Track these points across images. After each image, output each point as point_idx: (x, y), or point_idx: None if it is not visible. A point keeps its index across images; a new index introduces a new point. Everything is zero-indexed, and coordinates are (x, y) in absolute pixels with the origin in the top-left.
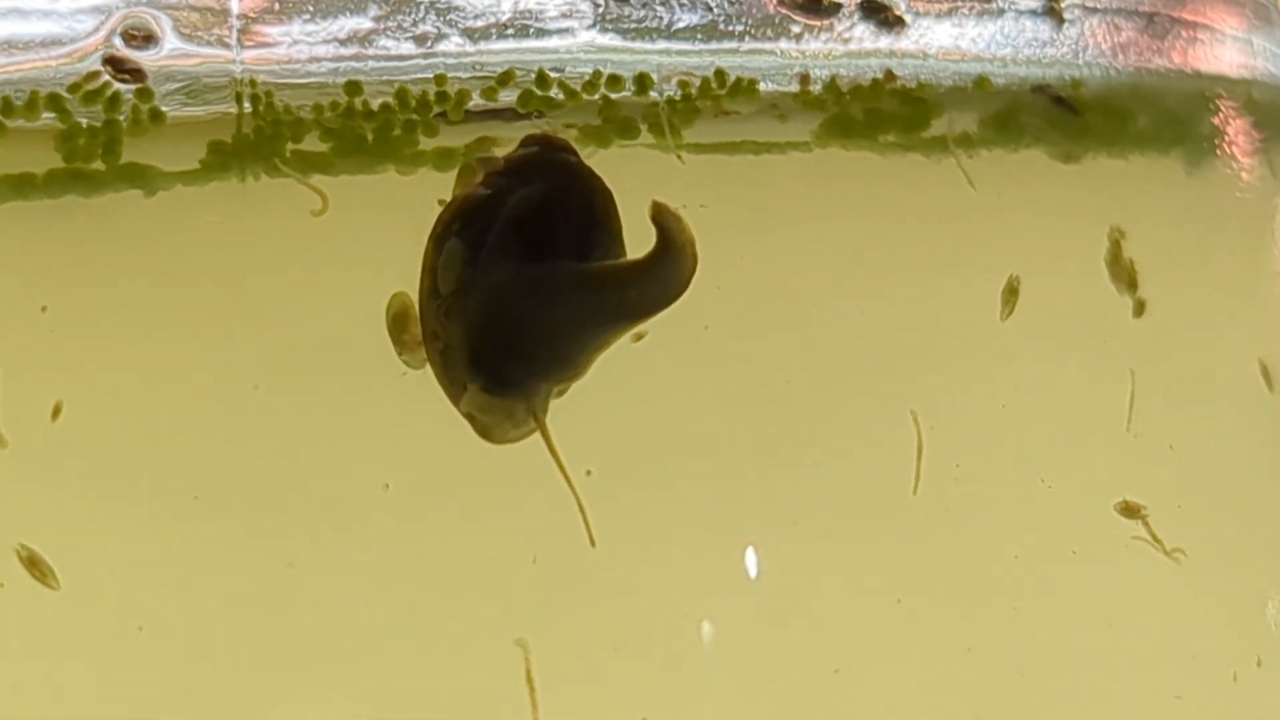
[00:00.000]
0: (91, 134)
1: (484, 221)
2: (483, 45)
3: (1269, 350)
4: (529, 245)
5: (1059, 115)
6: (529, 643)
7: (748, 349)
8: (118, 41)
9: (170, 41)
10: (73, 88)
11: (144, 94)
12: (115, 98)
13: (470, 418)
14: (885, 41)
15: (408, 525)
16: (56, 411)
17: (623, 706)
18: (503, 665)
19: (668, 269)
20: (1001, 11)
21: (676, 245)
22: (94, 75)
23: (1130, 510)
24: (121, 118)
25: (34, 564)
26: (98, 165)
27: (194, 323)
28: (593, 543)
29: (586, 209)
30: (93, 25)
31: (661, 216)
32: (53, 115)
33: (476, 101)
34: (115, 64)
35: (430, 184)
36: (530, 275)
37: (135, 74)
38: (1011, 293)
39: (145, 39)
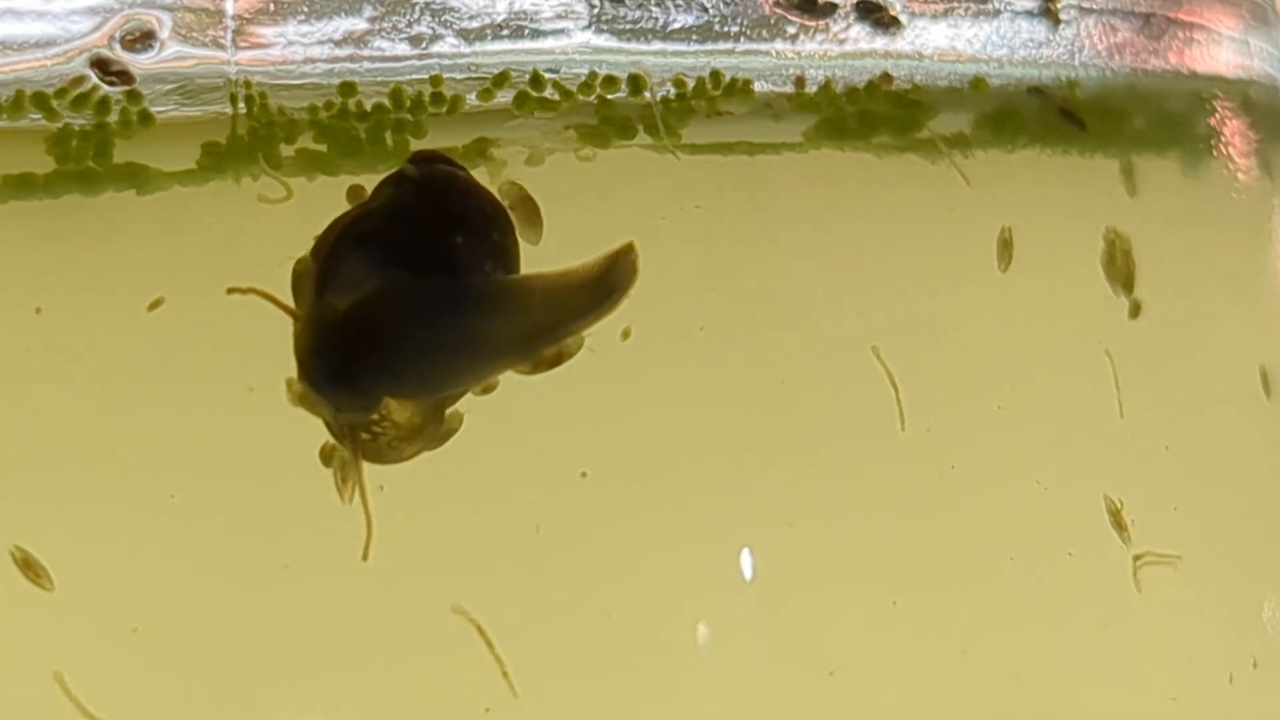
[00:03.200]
0: (83, 136)
1: (360, 234)
2: (478, 46)
3: (1266, 352)
4: (403, 256)
5: (1063, 126)
6: (526, 643)
7: (743, 350)
8: (116, 44)
9: (163, 44)
10: (60, 93)
11: (133, 96)
12: (104, 100)
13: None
14: (881, 42)
15: (403, 527)
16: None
17: (617, 708)
18: (500, 666)
19: (594, 298)
20: (997, 12)
21: (611, 285)
22: (80, 80)
23: (1118, 524)
24: (111, 120)
25: (28, 566)
26: (94, 167)
27: (188, 325)
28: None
29: (468, 224)
30: (88, 27)
31: (623, 260)
32: (39, 115)
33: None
34: (102, 66)
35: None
36: (419, 285)
37: (122, 76)
38: (1005, 245)
39: (143, 39)
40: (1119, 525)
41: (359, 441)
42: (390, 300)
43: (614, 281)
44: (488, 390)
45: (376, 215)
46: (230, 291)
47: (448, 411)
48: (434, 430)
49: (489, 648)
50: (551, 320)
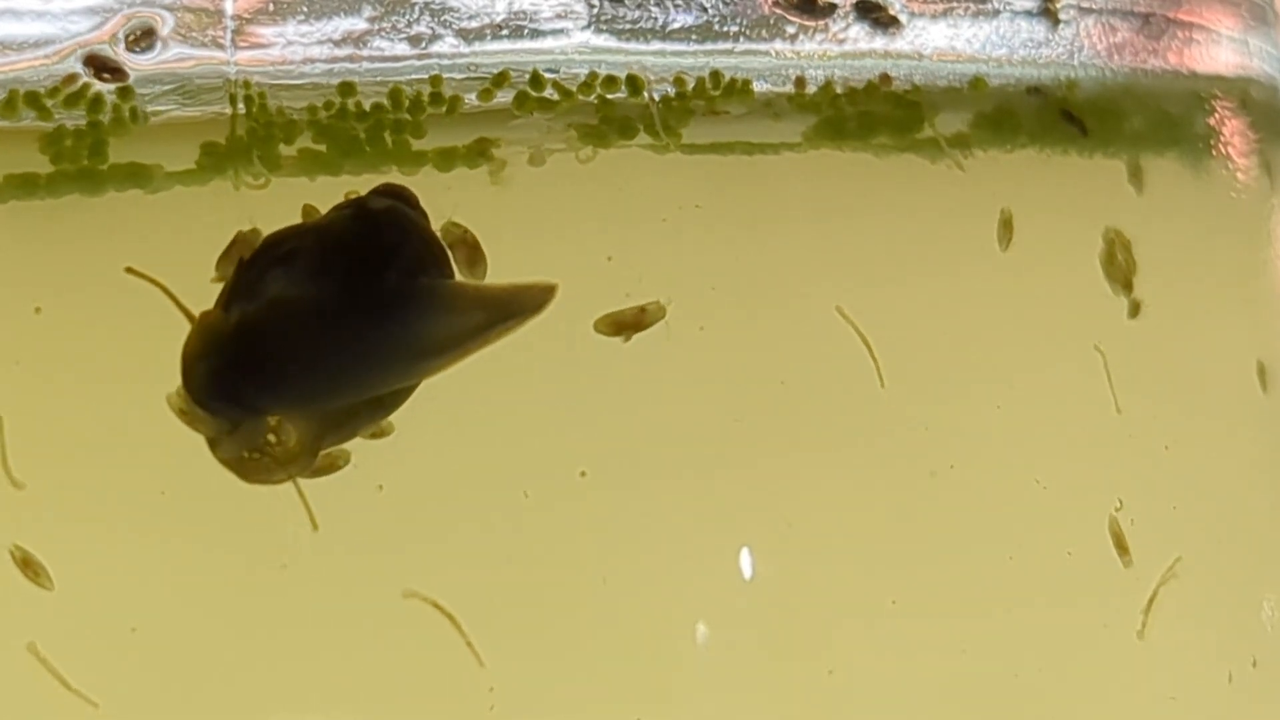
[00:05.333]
0: (77, 136)
1: (284, 253)
2: (477, 46)
3: (1264, 351)
4: (319, 279)
5: (1063, 127)
6: (527, 642)
7: (743, 350)
8: (119, 44)
9: (165, 43)
10: (52, 91)
11: (125, 93)
12: (97, 98)
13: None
14: (880, 42)
15: (402, 527)
16: None
17: (617, 707)
18: (500, 666)
19: (489, 318)
20: (997, 12)
21: (509, 310)
22: (72, 78)
23: (1120, 546)
24: (104, 118)
25: (28, 565)
26: (91, 166)
27: (187, 324)
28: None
29: (395, 261)
30: (87, 26)
31: (535, 293)
32: (33, 114)
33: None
34: (95, 64)
35: (434, 184)
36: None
37: (115, 73)
38: (1006, 225)
39: (143, 39)
40: (1121, 549)
41: (244, 463)
42: (284, 309)
43: (514, 307)
44: (379, 435)
45: (303, 236)
46: (128, 270)
47: (333, 450)
48: (308, 460)
49: (451, 620)
50: (445, 333)
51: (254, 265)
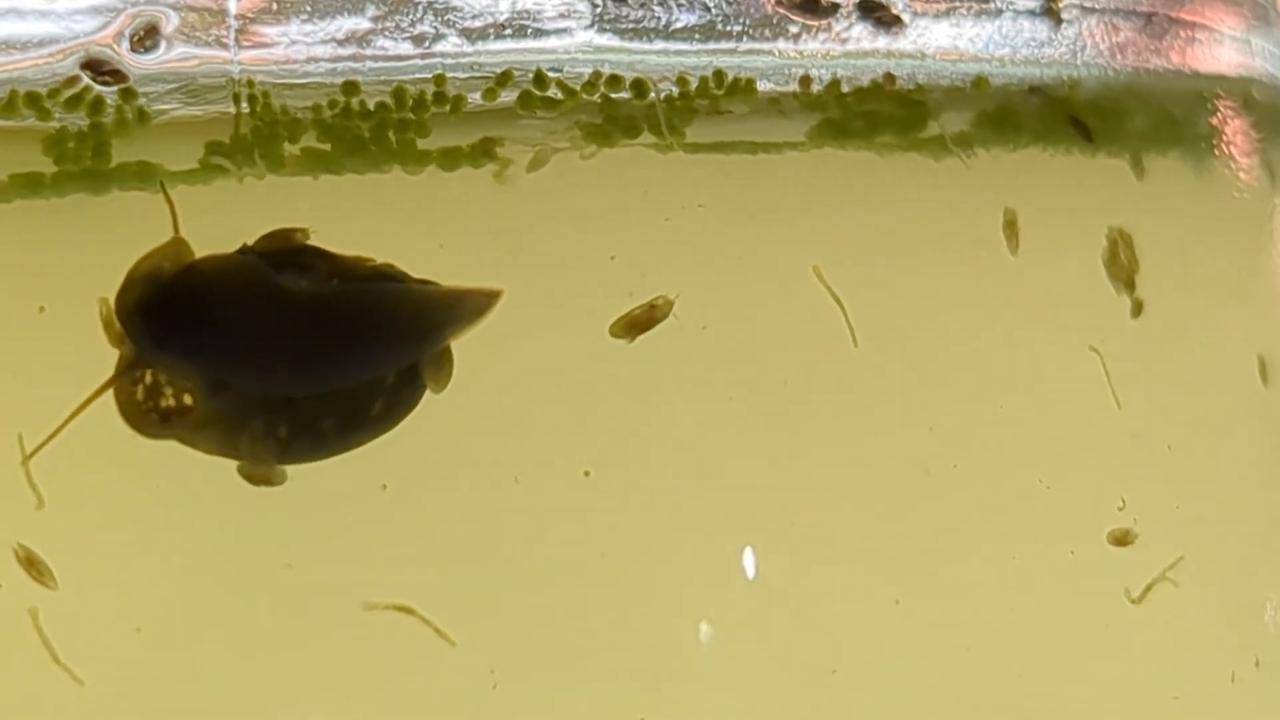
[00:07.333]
0: (80, 137)
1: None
2: (480, 45)
3: (1266, 348)
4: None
5: (1069, 131)
6: (529, 642)
7: (746, 349)
8: (124, 43)
9: (169, 42)
10: (52, 93)
11: (128, 94)
12: (99, 100)
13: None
14: (883, 41)
15: (406, 526)
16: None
17: (620, 707)
18: (502, 666)
19: (434, 321)
20: (999, 11)
21: (454, 314)
22: (73, 80)
23: (1123, 546)
24: (107, 120)
25: (32, 564)
26: (97, 167)
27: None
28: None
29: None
30: (91, 26)
31: (478, 297)
32: (33, 115)
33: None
34: (94, 66)
35: (438, 184)
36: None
37: (116, 75)
38: (1010, 224)
39: (146, 39)
40: (1124, 548)
41: (117, 383)
42: (240, 278)
43: (455, 312)
44: (266, 482)
45: (322, 256)
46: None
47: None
48: (195, 429)
49: (414, 614)
50: (382, 336)
51: (276, 255)
